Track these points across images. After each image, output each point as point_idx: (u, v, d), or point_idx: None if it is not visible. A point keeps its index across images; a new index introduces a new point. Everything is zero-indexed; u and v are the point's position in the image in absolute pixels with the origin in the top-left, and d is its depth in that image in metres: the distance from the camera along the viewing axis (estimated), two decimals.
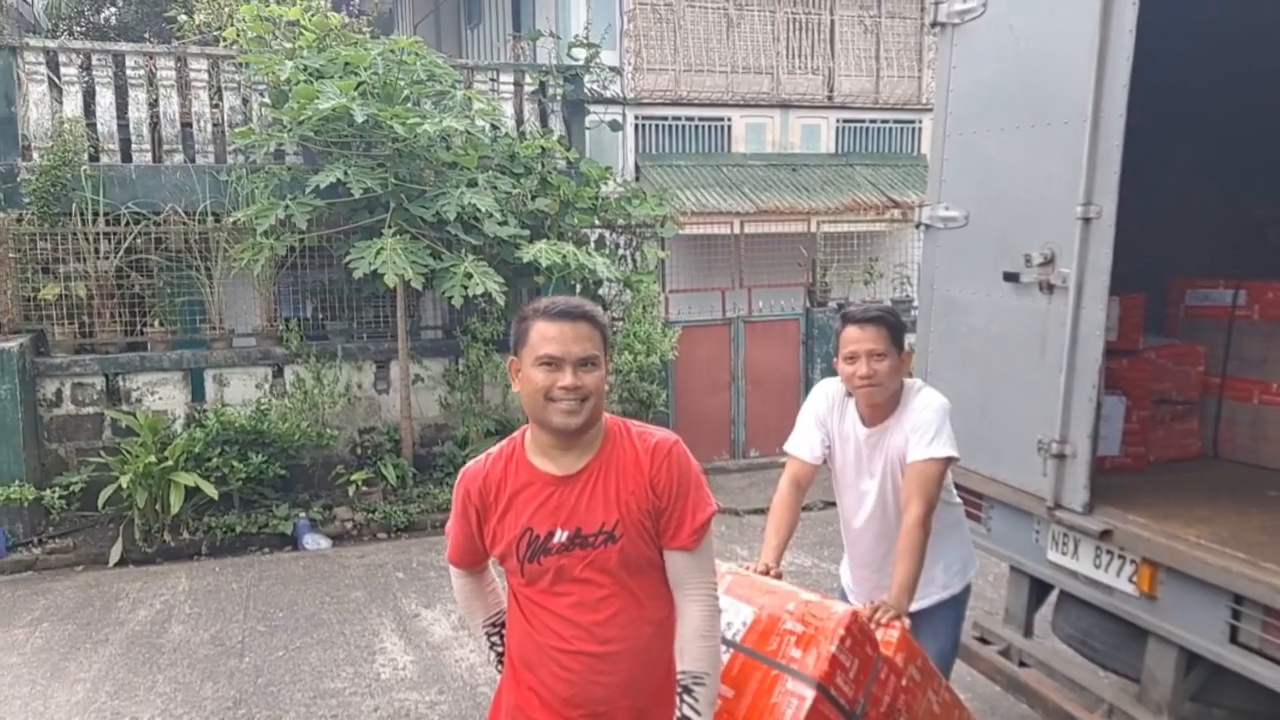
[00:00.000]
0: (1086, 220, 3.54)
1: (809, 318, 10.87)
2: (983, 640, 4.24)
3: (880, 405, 3.08)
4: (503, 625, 2.35)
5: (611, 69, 10.47)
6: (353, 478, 8.71)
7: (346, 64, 7.98)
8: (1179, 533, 3.38)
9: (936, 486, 2.99)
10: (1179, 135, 4.62)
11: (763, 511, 3.70)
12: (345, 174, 7.74)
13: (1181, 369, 4.41)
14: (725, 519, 8.84)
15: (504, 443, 2.27)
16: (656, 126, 11.00)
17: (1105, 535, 3.53)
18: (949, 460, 3.01)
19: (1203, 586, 3.17)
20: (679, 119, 11.05)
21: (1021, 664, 4.04)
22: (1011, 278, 3.87)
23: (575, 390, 2.08)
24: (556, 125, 10.10)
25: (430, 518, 8.50)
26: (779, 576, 2.90)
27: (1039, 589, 4.15)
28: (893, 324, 3.05)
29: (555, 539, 2.13)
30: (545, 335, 2.10)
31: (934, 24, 4.38)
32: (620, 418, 2.26)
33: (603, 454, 2.16)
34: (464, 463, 9.35)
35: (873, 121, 11.89)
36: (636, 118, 10.83)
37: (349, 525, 8.49)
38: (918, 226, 4.53)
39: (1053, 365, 3.70)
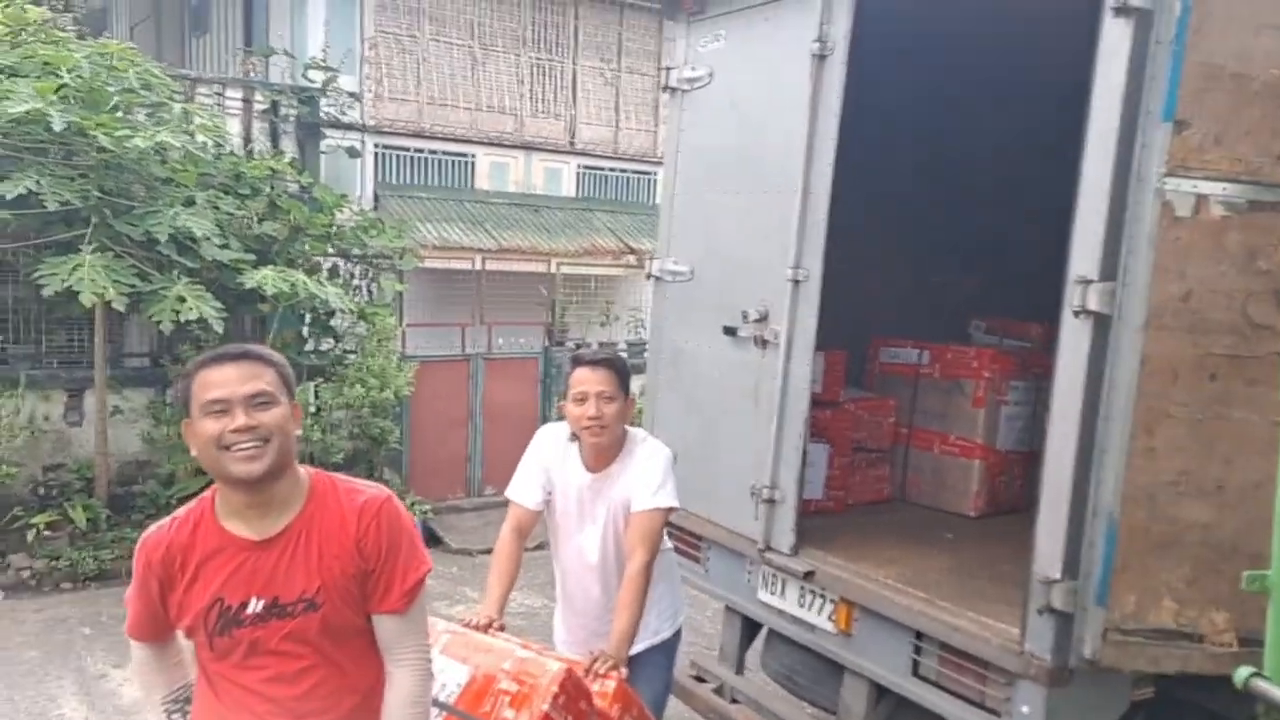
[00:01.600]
0: (796, 282, 3.79)
1: (547, 356, 10.94)
2: (698, 679, 4.37)
3: (605, 450, 3.10)
4: (188, 701, 2.12)
5: (350, 94, 10.11)
6: (33, 520, 7.71)
7: (45, 64, 7.17)
8: (871, 573, 3.66)
9: (659, 536, 3.05)
10: (879, 209, 5.07)
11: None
12: (38, 183, 6.91)
13: (876, 419, 4.81)
14: (458, 559, 8.65)
15: (190, 505, 2.05)
16: (398, 157, 10.72)
17: (809, 576, 3.75)
18: (671, 510, 3.08)
19: (890, 624, 3.44)
20: (421, 151, 10.84)
21: (733, 700, 4.20)
22: (730, 331, 4.07)
23: (250, 431, 1.90)
24: (289, 147, 9.59)
25: (126, 564, 7.63)
26: (502, 628, 2.83)
27: (751, 627, 4.34)
28: (620, 368, 3.09)
29: (249, 609, 1.95)
30: (208, 381, 1.93)
31: (665, 88, 4.56)
32: (327, 473, 2.11)
33: (305, 514, 2.00)
34: (168, 503, 8.43)
35: (612, 170, 12.24)
36: (377, 146, 10.51)
37: (26, 574, 7.50)
38: (648, 277, 4.67)
39: (765, 414, 3.91)
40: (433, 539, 8.97)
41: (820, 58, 3.72)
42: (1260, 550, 2.75)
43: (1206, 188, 2.69)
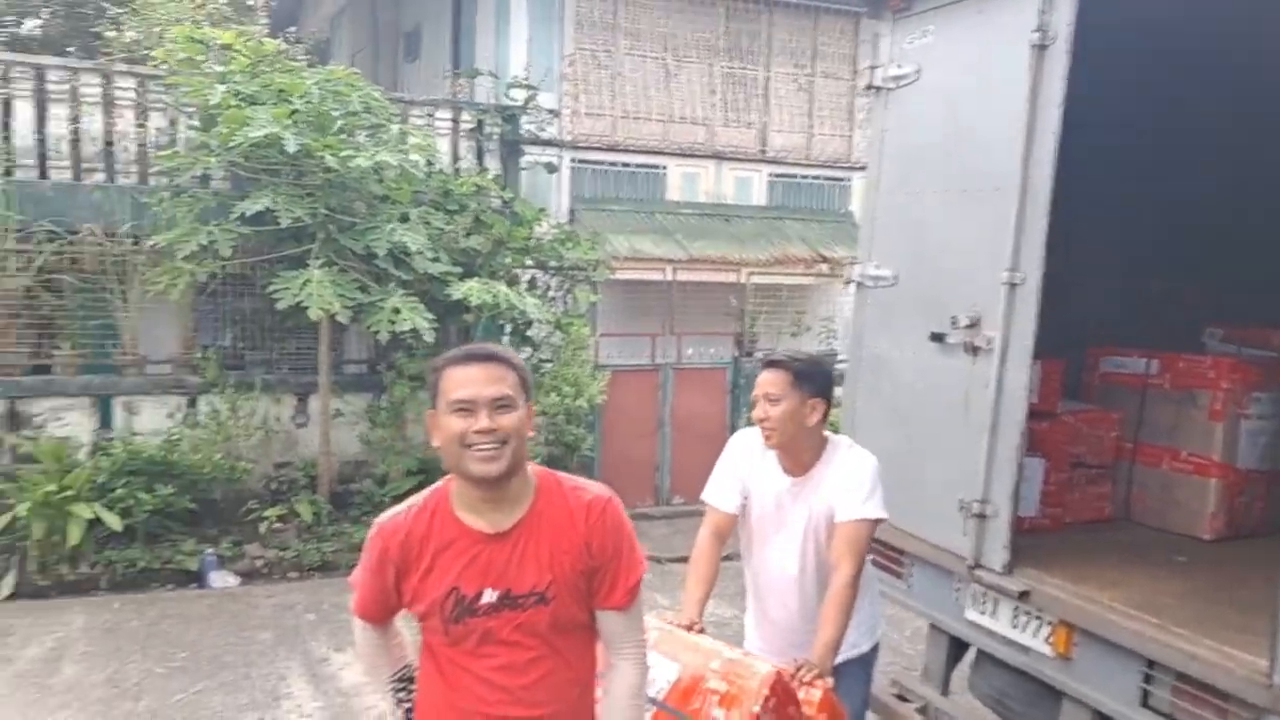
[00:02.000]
0: (1012, 285, 3.63)
1: (736, 366, 10.96)
2: (901, 697, 4.24)
3: (798, 455, 3.06)
4: (410, 680, 2.26)
5: (549, 111, 10.50)
6: (265, 514, 8.42)
7: (280, 91, 7.85)
8: (1094, 595, 3.44)
9: (866, 547, 2.99)
10: (1098, 210, 4.79)
11: (685, 559, 3.67)
12: (273, 202, 7.57)
13: (1096, 434, 4.53)
14: (649, 567, 8.77)
15: (425, 494, 2.18)
16: (592, 171, 11.05)
17: (1024, 596, 3.57)
18: (879, 521, 3.02)
19: (1116, 650, 3.22)
20: (615, 164, 11.11)
21: None
22: (938, 338, 3.94)
23: (491, 434, 1.98)
24: (492, 164, 10.07)
25: (345, 557, 8.25)
26: (702, 631, 2.85)
27: (957, 647, 4.17)
28: (797, 370, 3.03)
29: (483, 599, 2.05)
30: (456, 380, 2.02)
31: (868, 87, 4.49)
32: (549, 470, 2.20)
33: (535, 510, 2.09)
34: (383, 501, 9.04)
35: (804, 177, 12.12)
36: (573, 161, 10.86)
37: (259, 563, 8.19)
38: (847, 284, 4.61)
39: (976, 425, 3.76)
40: None
41: (1040, 48, 3.56)
42: None
43: None
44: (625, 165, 11.17)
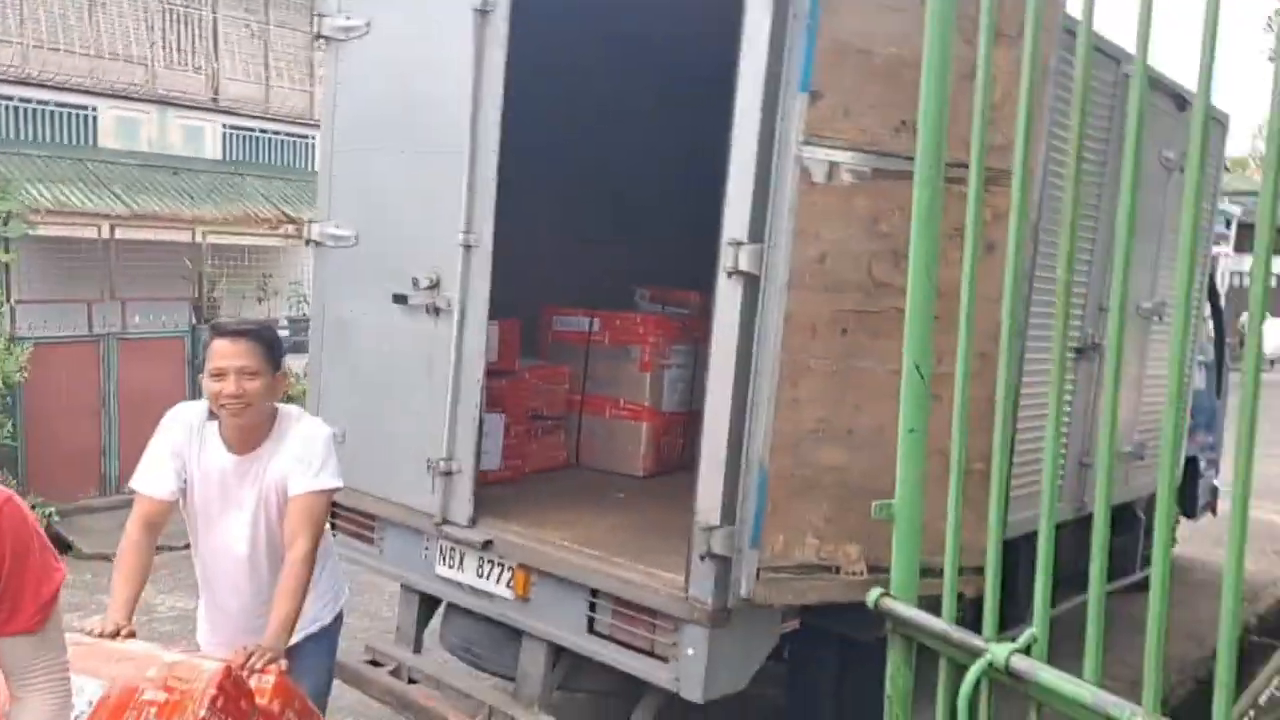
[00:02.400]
0: (468, 247, 3.73)
1: (195, 335, 10.02)
2: (374, 663, 4.22)
3: (251, 430, 2.85)
4: None
5: None
6: None
7: None
8: (548, 537, 3.71)
9: (324, 519, 2.88)
10: (549, 174, 5.13)
11: None
12: None
13: (551, 388, 4.89)
14: (92, 565, 7.71)
15: None
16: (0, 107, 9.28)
17: (487, 545, 3.74)
18: (334, 491, 2.92)
19: (566, 584, 3.51)
20: (29, 101, 9.45)
21: (411, 680, 4.10)
22: (400, 299, 3.93)
23: None
24: None
25: None
26: (132, 634, 2.54)
27: (429, 605, 4.25)
28: (268, 340, 2.84)
29: None
30: None
31: (318, 36, 4.30)
32: None
33: None
34: None
35: (264, 131, 11.42)
36: None
37: None
38: (308, 243, 4.39)
39: (439, 386, 3.83)
40: (61, 544, 7.93)
41: (482, 12, 3.67)
42: (884, 486, 3.10)
43: (837, 156, 2.97)
44: (43, 103, 9.55)
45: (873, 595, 2.10)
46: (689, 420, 5.11)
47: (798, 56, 2.90)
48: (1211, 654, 5.92)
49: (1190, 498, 6.98)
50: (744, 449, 3.01)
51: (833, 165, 2.97)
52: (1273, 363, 19.87)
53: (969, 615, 2.34)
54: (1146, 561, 6.36)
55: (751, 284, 2.99)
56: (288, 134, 11.72)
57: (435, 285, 3.84)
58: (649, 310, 5.54)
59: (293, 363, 9.67)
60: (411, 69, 3.94)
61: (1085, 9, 1.89)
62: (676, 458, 5.09)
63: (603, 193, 5.53)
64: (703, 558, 3.05)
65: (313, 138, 11.88)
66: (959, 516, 2.05)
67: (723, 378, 3.03)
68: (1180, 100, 4.91)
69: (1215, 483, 7.40)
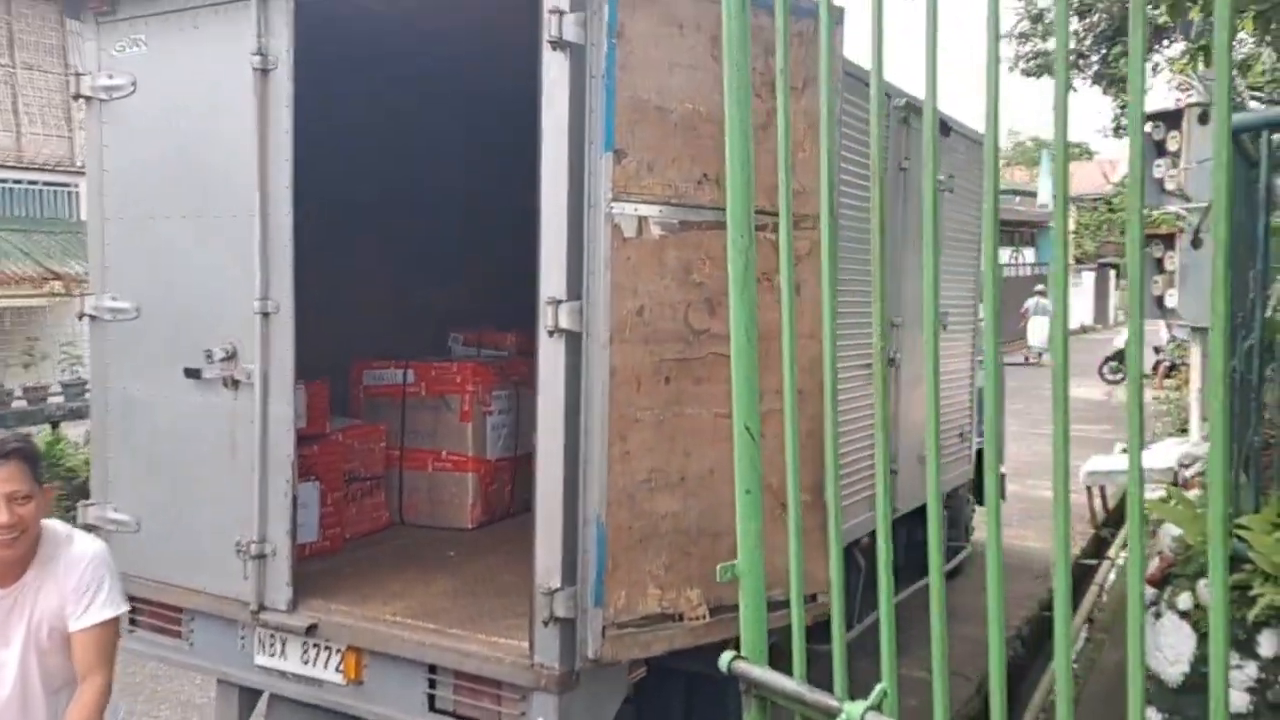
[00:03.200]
0: (265, 315, 3.51)
1: None
2: None
3: (17, 560, 2.51)
4: None
5: None
6: None
7: None
8: (377, 614, 3.53)
9: (116, 648, 2.59)
10: (348, 227, 4.93)
11: None
12: None
13: (367, 446, 4.68)
14: None
15: None
16: None
17: (311, 630, 3.52)
18: (121, 616, 2.64)
19: (401, 663, 3.35)
20: None
21: None
22: (194, 374, 3.65)
23: None
24: None
25: None
26: None
27: (250, 697, 3.96)
28: (33, 455, 2.51)
29: None
30: None
31: (76, 96, 3.95)
32: None
33: None
34: None
35: (18, 182, 10.42)
36: None
37: None
38: (81, 317, 4.01)
39: (245, 463, 3.58)
40: None
41: (263, 71, 3.48)
42: (720, 527, 3.15)
43: (645, 210, 2.99)
44: None
45: (725, 659, 2.10)
46: (515, 465, 5.03)
47: (599, 116, 2.90)
48: (1015, 634, 6.40)
49: (980, 487, 7.50)
50: (580, 505, 2.98)
51: (642, 220, 2.98)
52: (1040, 355, 21.68)
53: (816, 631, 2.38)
54: (953, 552, 6.79)
55: (573, 341, 2.96)
56: (46, 183, 10.75)
57: (232, 356, 3.59)
58: (464, 355, 5.43)
59: (69, 430, 8.86)
60: (189, 131, 3.68)
61: (875, 63, 1.95)
62: (506, 504, 5.00)
63: (409, 239, 5.37)
64: (546, 623, 2.98)
65: (73, 186, 10.95)
66: (800, 571, 2.08)
67: (552, 436, 2.98)
68: (944, 127, 5.28)
69: (1002, 469, 7.99)
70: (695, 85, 3.04)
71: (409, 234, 5.38)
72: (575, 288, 2.95)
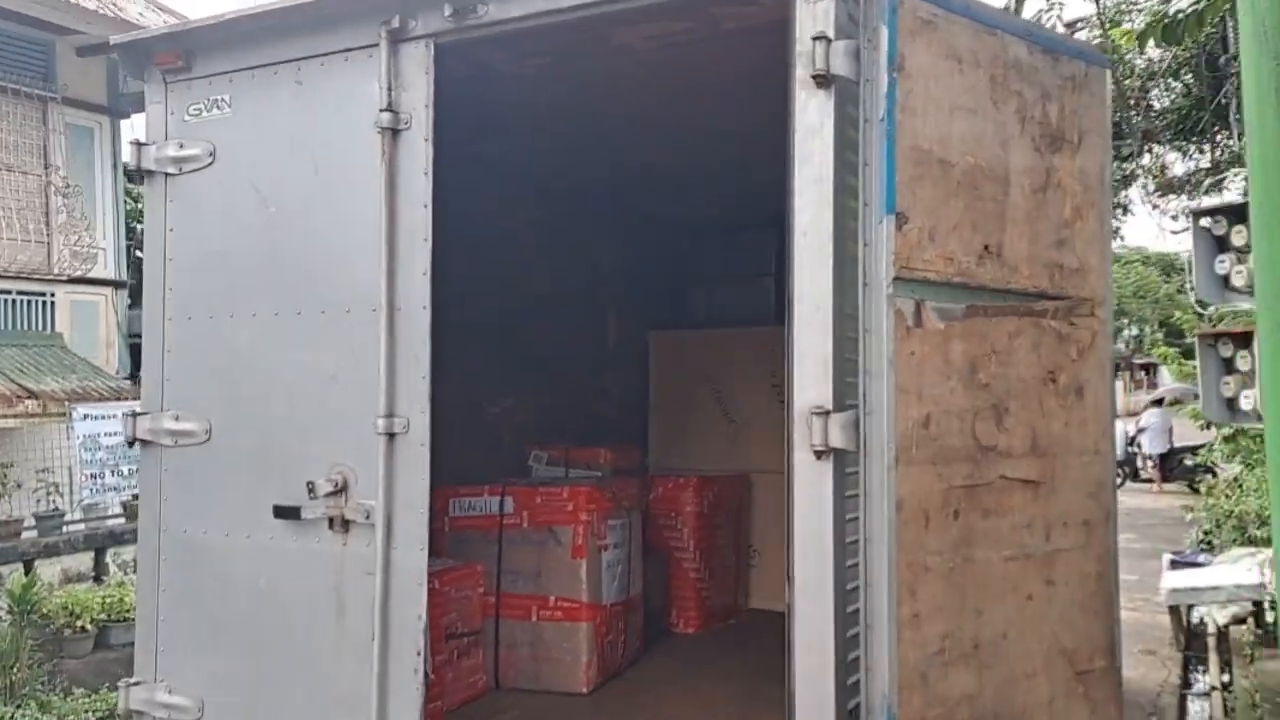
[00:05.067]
0: (391, 435, 2.81)
1: None
2: None
3: None
4: None
5: None
6: None
7: None
8: None
9: None
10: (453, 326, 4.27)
11: None
12: None
13: (464, 594, 3.92)
14: None
15: None
16: None
17: None
18: None
19: None
20: None
21: None
22: (289, 513, 2.92)
23: None
24: None
25: None
26: None
27: None
28: None
29: None
30: None
31: (137, 170, 3.31)
32: None
33: None
34: None
35: None
36: None
37: None
38: (131, 444, 3.27)
39: (358, 628, 2.82)
40: None
41: (393, 132, 2.86)
42: (1014, 712, 2.45)
43: (924, 292, 2.37)
44: None
45: None
46: (628, 611, 4.29)
47: (876, 170, 2.30)
48: None
49: None
50: (862, 689, 2.25)
51: (919, 305, 2.36)
52: None
53: None
54: None
55: (842, 462, 2.29)
56: (19, 292, 9.99)
57: (342, 489, 2.87)
58: (551, 477, 4.71)
59: (44, 569, 7.89)
60: (285, 209, 3.04)
61: None
62: (619, 660, 4.22)
63: (500, 342, 4.71)
64: None
65: (49, 295, 10.20)
66: None
67: (816, 592, 2.27)
68: None
69: None
70: (976, 134, 2.46)
71: (501, 338, 4.73)
72: (842, 393, 2.29)
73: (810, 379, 2.29)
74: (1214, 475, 13.24)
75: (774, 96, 2.37)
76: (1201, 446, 15.57)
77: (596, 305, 5.86)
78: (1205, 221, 7.03)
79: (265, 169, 3.08)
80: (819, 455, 2.25)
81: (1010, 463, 2.48)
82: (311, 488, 2.87)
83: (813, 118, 2.30)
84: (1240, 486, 12.02)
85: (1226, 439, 13.44)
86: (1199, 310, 11.64)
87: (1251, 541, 10.29)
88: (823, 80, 2.27)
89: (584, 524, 4.04)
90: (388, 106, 2.86)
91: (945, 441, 2.37)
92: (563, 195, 4.90)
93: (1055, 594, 2.54)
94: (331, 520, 2.87)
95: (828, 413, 2.25)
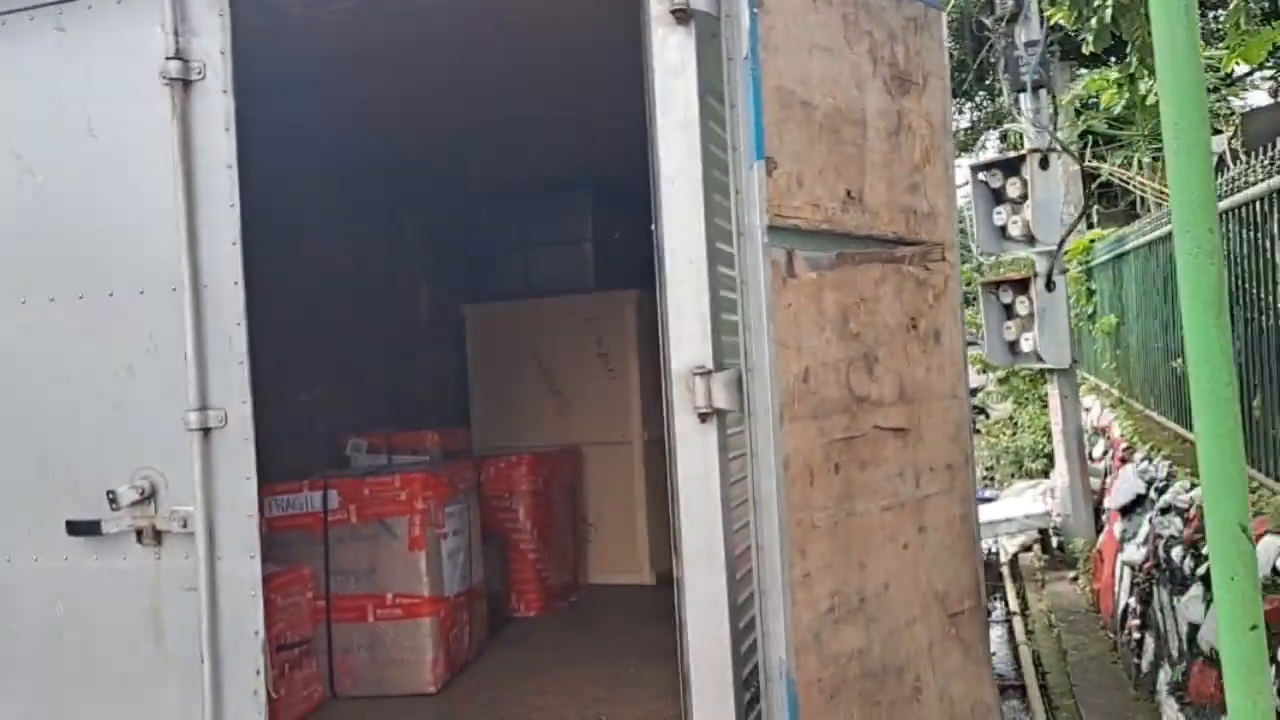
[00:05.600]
0: (205, 431, 2.47)
1: None
2: None
3: None
4: None
5: None
6: None
7: None
8: None
9: None
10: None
11: None
12: None
13: (292, 601, 3.56)
14: None
15: None
16: None
17: None
18: None
19: None
20: None
21: None
22: (85, 529, 2.52)
23: None
24: None
25: None
26: None
27: None
28: None
29: None
30: None
31: None
32: None
33: None
34: None
35: None
36: None
37: None
38: None
39: (182, 655, 2.47)
40: None
41: (184, 83, 2.49)
42: (900, 662, 2.44)
43: (795, 241, 2.29)
44: None
45: None
46: (470, 599, 4.06)
47: (742, 112, 2.19)
48: None
49: None
50: (759, 657, 2.16)
51: (790, 255, 2.27)
52: None
53: None
54: None
55: (724, 424, 2.17)
56: None
57: (149, 496, 2.51)
58: (372, 467, 4.39)
59: None
60: (56, 176, 2.60)
61: None
62: (464, 652, 4.00)
63: (303, 324, 4.32)
64: None
65: None
66: None
67: (707, 563, 2.16)
68: None
69: None
70: (834, 75, 2.39)
71: (284, 314, 4.33)
72: (721, 352, 2.18)
73: (688, 338, 2.15)
74: (986, 416, 14.28)
75: (597, 49, 2.21)
76: (978, 390, 16.79)
77: (406, 279, 5.53)
78: (982, 175, 7.39)
79: (28, 132, 2.62)
80: (703, 418, 2.13)
81: (882, 412, 2.45)
82: (113, 497, 2.48)
83: (673, 57, 2.15)
84: (1015, 424, 13.01)
85: (1001, 380, 14.50)
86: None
87: (1028, 475, 11.17)
88: (682, 15, 2.12)
89: (420, 513, 3.77)
90: (175, 54, 2.48)
91: (824, 394, 2.30)
92: (365, 160, 4.54)
93: (927, 540, 2.54)
94: (140, 532, 2.50)
95: (709, 372, 2.13)
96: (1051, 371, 7.77)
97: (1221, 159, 8.16)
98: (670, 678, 3.71)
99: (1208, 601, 4.88)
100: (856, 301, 2.40)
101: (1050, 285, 7.32)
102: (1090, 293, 9.14)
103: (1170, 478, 4.85)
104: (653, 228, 2.20)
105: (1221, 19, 8.55)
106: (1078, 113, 10.29)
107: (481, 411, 5.50)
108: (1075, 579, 6.93)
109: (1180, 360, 4.40)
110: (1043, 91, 7.49)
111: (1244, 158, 3.76)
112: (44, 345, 2.60)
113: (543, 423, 5.35)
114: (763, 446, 2.16)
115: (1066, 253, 7.87)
